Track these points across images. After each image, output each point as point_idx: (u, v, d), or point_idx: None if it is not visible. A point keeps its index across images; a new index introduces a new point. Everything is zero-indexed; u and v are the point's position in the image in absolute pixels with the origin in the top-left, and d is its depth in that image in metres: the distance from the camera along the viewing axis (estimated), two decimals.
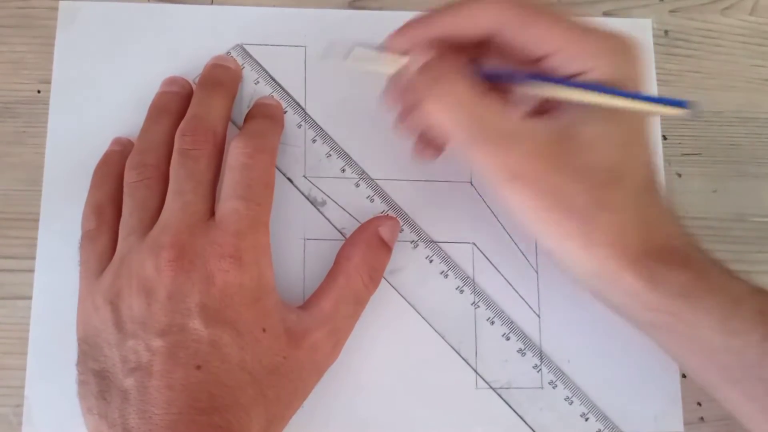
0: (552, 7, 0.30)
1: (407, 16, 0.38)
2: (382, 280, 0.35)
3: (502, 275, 0.36)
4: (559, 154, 0.29)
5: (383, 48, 0.31)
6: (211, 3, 0.38)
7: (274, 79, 0.37)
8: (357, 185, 0.36)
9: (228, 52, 0.37)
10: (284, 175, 0.36)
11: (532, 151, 0.28)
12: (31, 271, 0.35)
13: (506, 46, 0.30)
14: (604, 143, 0.29)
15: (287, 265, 0.35)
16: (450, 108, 0.29)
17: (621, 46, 0.29)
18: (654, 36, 0.40)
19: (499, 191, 0.30)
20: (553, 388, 0.35)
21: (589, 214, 0.29)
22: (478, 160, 0.29)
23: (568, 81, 0.29)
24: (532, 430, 0.35)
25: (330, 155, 0.37)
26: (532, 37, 0.29)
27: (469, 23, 0.29)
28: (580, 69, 0.29)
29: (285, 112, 0.37)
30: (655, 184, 0.31)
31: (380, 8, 0.39)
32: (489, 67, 0.31)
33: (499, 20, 0.29)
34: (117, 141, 0.35)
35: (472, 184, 0.37)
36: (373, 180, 0.37)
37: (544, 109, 0.31)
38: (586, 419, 0.35)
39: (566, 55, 0.29)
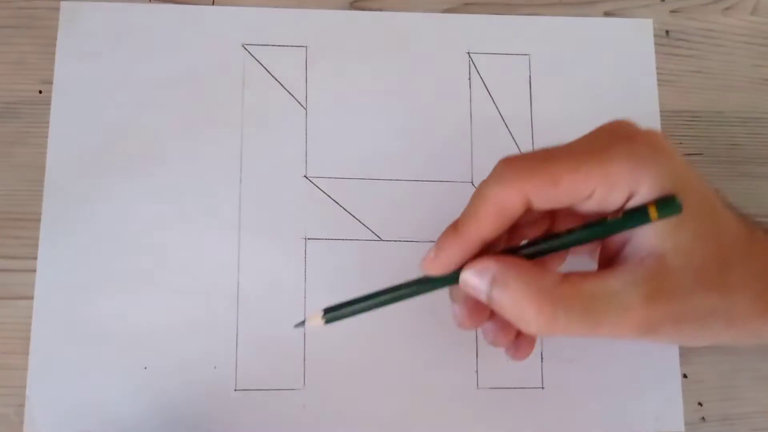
0: (552, 148, 0.28)
1: (407, 16, 0.39)
2: (383, 280, 0.35)
3: None
4: (663, 289, 0.27)
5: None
6: (213, 3, 0.38)
7: (275, 79, 0.37)
8: (357, 185, 0.36)
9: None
10: (284, 174, 0.37)
11: (640, 302, 0.27)
12: (33, 271, 0.35)
13: (545, 208, 0.28)
14: (689, 251, 0.27)
15: (287, 265, 0.36)
16: (551, 313, 0.27)
17: (642, 147, 0.27)
18: (655, 36, 0.40)
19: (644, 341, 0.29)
20: (554, 388, 0.35)
21: (726, 310, 0.28)
22: (603, 334, 0.28)
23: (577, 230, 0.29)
24: (533, 430, 0.35)
25: (330, 153, 0.37)
26: (562, 196, 0.27)
27: (499, 219, 0.28)
28: (627, 194, 0.27)
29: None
30: (747, 231, 0.29)
31: (381, 9, 0.39)
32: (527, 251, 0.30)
33: (524, 197, 0.27)
34: None
35: (472, 184, 0.37)
36: (373, 180, 0.37)
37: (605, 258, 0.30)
38: (587, 419, 0.35)
39: (604, 192, 0.27)
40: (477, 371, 0.35)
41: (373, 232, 0.36)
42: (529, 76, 0.39)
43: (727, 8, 0.41)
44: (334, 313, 0.31)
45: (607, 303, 0.27)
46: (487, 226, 0.28)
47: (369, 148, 0.37)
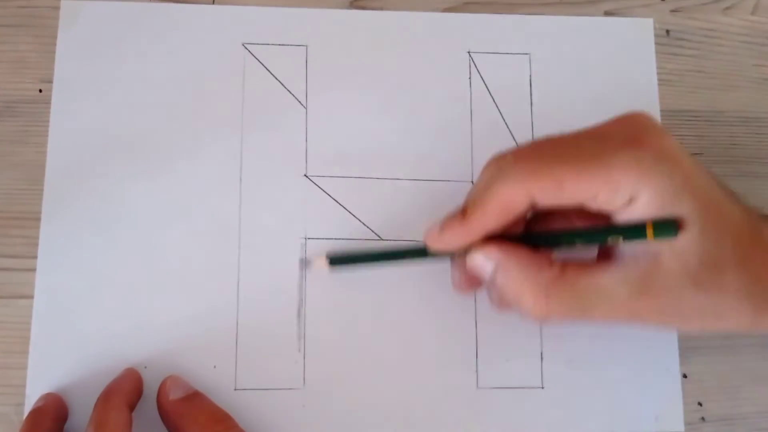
0: (559, 144, 0.29)
1: (407, 15, 0.39)
2: (383, 279, 0.35)
3: None
4: (653, 286, 0.28)
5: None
6: (213, 2, 0.38)
7: (276, 78, 0.37)
8: (357, 184, 0.36)
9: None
10: (285, 174, 0.37)
11: (629, 297, 0.29)
12: (33, 270, 0.35)
13: (550, 207, 0.29)
14: (685, 255, 0.28)
15: (287, 265, 0.35)
16: (545, 305, 0.29)
17: (648, 154, 0.28)
18: (655, 36, 0.40)
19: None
20: (554, 388, 0.35)
21: (732, 305, 0.29)
22: (592, 321, 0.30)
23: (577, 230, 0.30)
24: (533, 430, 0.35)
25: (331, 153, 0.37)
26: (567, 196, 0.28)
27: (504, 214, 0.29)
28: (628, 198, 0.28)
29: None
30: (751, 229, 0.29)
31: (381, 8, 0.39)
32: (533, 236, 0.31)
33: (529, 197, 0.28)
34: (42, 397, 0.33)
35: (472, 184, 0.37)
36: (373, 179, 0.37)
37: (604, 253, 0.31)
38: (587, 419, 0.35)
39: (606, 196, 0.28)
40: (477, 371, 0.35)
41: (373, 231, 0.36)
42: (530, 76, 0.39)
43: (728, 8, 0.41)
44: (337, 260, 0.34)
45: (598, 298, 0.29)
46: (492, 218, 0.29)
47: (369, 147, 0.37)
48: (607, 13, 0.40)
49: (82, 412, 0.33)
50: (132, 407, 0.32)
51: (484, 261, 0.30)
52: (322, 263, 0.35)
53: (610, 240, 0.29)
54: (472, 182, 0.37)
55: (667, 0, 0.40)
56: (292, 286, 0.35)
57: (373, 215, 0.36)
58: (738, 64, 0.40)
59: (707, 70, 0.40)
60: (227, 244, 0.36)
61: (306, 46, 0.38)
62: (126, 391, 0.32)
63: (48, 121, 0.36)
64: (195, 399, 0.32)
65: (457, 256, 0.32)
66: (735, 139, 0.39)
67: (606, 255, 0.31)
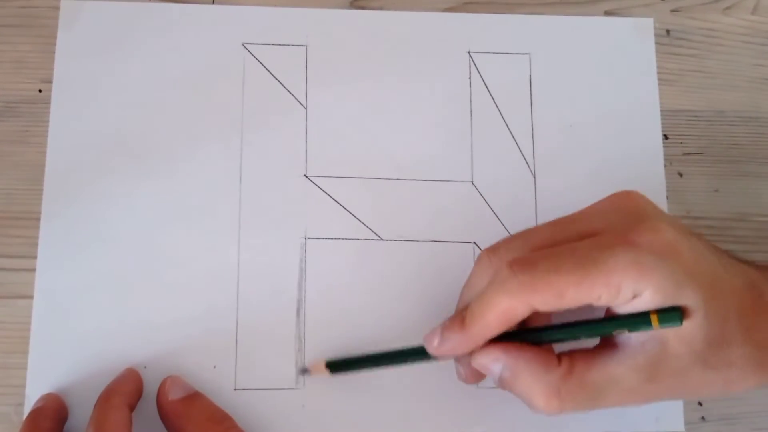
0: (555, 251, 0.29)
1: (407, 15, 0.39)
2: (383, 279, 0.35)
3: None
4: (663, 371, 0.29)
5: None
6: (213, 2, 0.38)
7: (275, 78, 0.37)
8: (357, 184, 0.36)
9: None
10: (285, 174, 0.37)
11: (640, 384, 0.29)
12: (33, 270, 0.35)
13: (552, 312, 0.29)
14: (691, 338, 0.28)
15: (287, 265, 0.35)
16: (557, 404, 0.29)
17: (646, 255, 0.27)
18: (656, 35, 0.40)
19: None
20: None
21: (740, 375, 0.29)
22: (606, 407, 0.30)
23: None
24: (533, 430, 0.35)
25: (331, 153, 0.37)
26: (569, 304, 0.28)
27: (505, 324, 0.29)
28: (630, 297, 0.28)
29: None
30: (753, 296, 0.29)
31: (381, 8, 0.39)
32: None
33: (530, 308, 0.28)
34: (42, 397, 0.33)
35: (473, 184, 0.37)
36: (373, 179, 0.37)
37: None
38: (587, 419, 0.35)
39: (609, 296, 0.28)
40: None
41: (373, 231, 0.36)
42: (530, 76, 0.39)
43: (728, 8, 0.41)
44: (337, 367, 0.33)
45: (608, 389, 0.29)
46: (492, 328, 0.29)
47: (369, 147, 0.37)
48: (607, 13, 0.40)
49: (82, 412, 0.33)
50: (132, 407, 0.32)
51: (489, 363, 0.30)
52: (321, 370, 0.34)
53: (615, 332, 0.29)
54: (472, 182, 0.37)
55: (667, 0, 0.40)
56: (292, 286, 0.35)
57: (373, 215, 0.36)
58: (738, 64, 0.40)
59: (707, 70, 0.40)
60: (227, 244, 0.36)
61: (306, 46, 0.38)
62: (126, 391, 0.32)
63: (48, 121, 0.36)
64: (195, 399, 0.32)
65: (461, 357, 0.31)
66: (735, 139, 0.39)
67: (609, 341, 0.30)
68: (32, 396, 0.33)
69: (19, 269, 0.35)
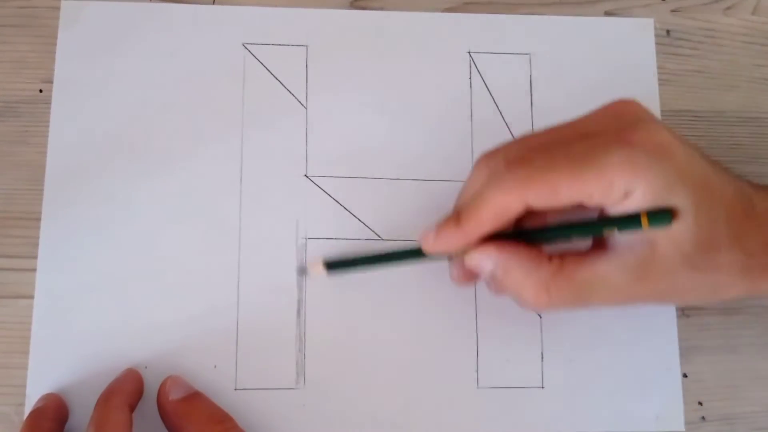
0: (550, 146, 0.29)
1: (408, 15, 0.39)
2: (383, 280, 0.35)
3: None
4: (650, 272, 0.29)
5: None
6: (213, 3, 0.38)
7: (276, 78, 0.37)
8: (357, 184, 0.36)
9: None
10: (285, 173, 0.37)
11: (627, 284, 0.29)
12: (33, 270, 0.35)
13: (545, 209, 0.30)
14: (680, 241, 0.28)
15: (287, 265, 0.35)
16: (546, 300, 0.30)
17: (640, 153, 0.28)
18: (656, 36, 0.40)
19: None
20: (554, 388, 0.35)
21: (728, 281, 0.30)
22: (591, 308, 0.31)
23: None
24: (533, 430, 0.35)
25: (331, 153, 0.37)
26: (562, 200, 0.28)
27: (499, 220, 0.29)
28: (623, 195, 0.28)
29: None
30: (744, 205, 0.30)
31: (381, 8, 0.39)
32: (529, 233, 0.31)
33: (524, 203, 0.29)
34: (43, 397, 0.33)
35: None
36: (373, 179, 0.37)
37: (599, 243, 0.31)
38: (588, 419, 0.35)
39: (601, 196, 0.28)
40: (477, 371, 0.35)
41: (373, 231, 0.36)
42: (530, 76, 0.39)
43: (728, 8, 0.41)
44: (334, 265, 0.34)
45: (597, 287, 0.30)
46: (486, 225, 0.30)
47: (369, 147, 0.37)
48: (608, 13, 0.40)
49: (82, 413, 0.33)
50: (132, 407, 0.32)
51: (482, 260, 0.31)
52: (319, 269, 0.34)
53: (605, 232, 0.29)
54: None
55: (668, 0, 0.40)
56: (292, 286, 0.35)
57: (373, 215, 0.36)
58: (738, 64, 0.40)
59: (707, 70, 0.40)
60: (227, 244, 0.36)
61: (306, 46, 0.38)
62: (126, 391, 0.32)
63: (48, 121, 0.36)
64: (195, 399, 0.32)
65: (455, 255, 0.32)
66: (735, 139, 0.39)
67: (600, 243, 0.31)
68: (33, 396, 0.33)
69: (20, 269, 0.35)
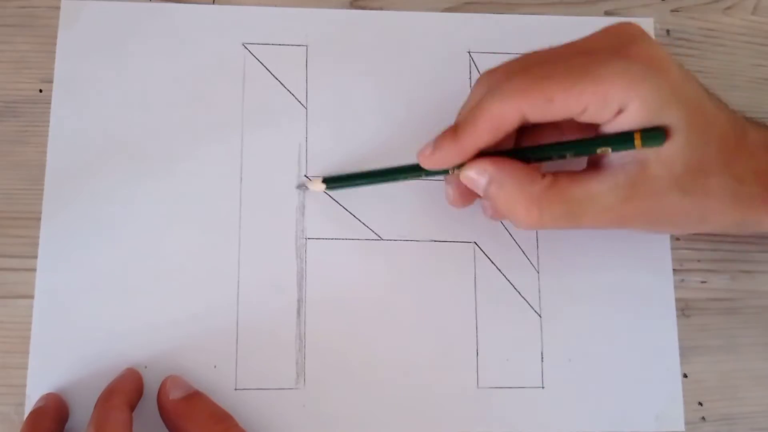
0: (549, 59, 0.30)
1: (408, 15, 0.39)
2: (383, 279, 0.35)
3: (503, 274, 0.36)
4: (640, 192, 0.30)
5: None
6: (213, 2, 0.38)
7: (276, 78, 0.37)
8: (358, 184, 0.37)
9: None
10: (285, 173, 0.37)
11: (617, 203, 0.30)
12: (33, 270, 0.35)
13: (540, 122, 0.30)
14: (671, 161, 0.29)
15: (287, 264, 0.35)
16: (537, 215, 0.30)
17: (636, 65, 0.28)
18: (656, 35, 0.40)
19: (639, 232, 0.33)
20: (554, 387, 0.35)
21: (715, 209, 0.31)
22: (582, 228, 0.31)
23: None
24: (533, 429, 0.35)
25: (331, 153, 0.37)
26: (557, 111, 0.29)
27: (495, 131, 0.30)
28: (617, 109, 0.28)
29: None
30: (736, 132, 0.30)
31: (381, 8, 0.39)
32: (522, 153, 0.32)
33: (520, 114, 0.29)
34: (43, 397, 0.33)
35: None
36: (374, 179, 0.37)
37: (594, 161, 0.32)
38: (587, 419, 0.35)
39: (596, 108, 0.28)
40: (477, 371, 0.35)
41: (373, 231, 0.36)
42: None
43: (728, 8, 0.41)
44: (333, 182, 0.35)
45: (588, 205, 0.30)
46: (483, 136, 0.30)
47: (369, 147, 0.37)
48: (607, 13, 0.40)
49: (82, 412, 0.33)
50: (132, 407, 0.32)
51: (477, 176, 0.31)
52: (318, 185, 0.35)
53: (599, 150, 0.30)
54: None
55: (667, 0, 0.40)
56: (292, 286, 0.35)
57: (373, 215, 0.36)
58: (738, 64, 0.40)
59: (707, 70, 0.40)
60: (227, 244, 0.36)
61: (306, 46, 0.38)
62: (126, 391, 0.32)
63: (48, 121, 0.36)
64: (195, 399, 0.32)
65: (451, 172, 0.32)
66: None
67: (595, 164, 0.31)
68: (33, 396, 0.33)
69: (20, 269, 0.35)
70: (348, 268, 0.36)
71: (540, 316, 0.36)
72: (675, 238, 0.37)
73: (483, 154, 0.31)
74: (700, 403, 0.36)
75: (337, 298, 0.35)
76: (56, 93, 0.37)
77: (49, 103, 0.36)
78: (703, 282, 0.37)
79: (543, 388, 0.35)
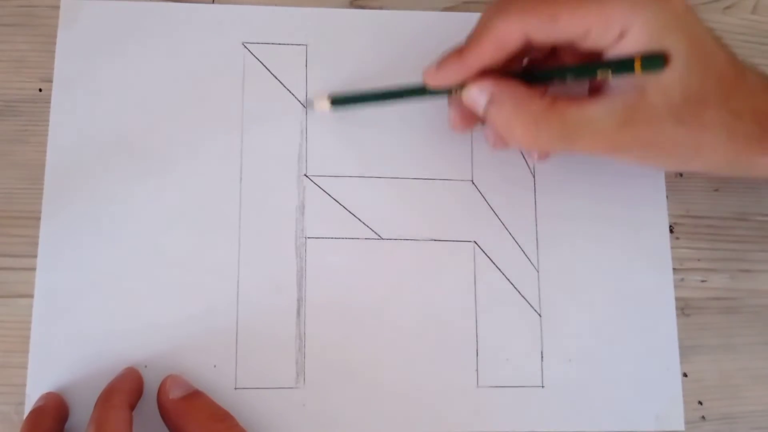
0: None
1: (407, 15, 0.39)
2: (383, 279, 0.35)
3: (503, 274, 0.36)
4: (636, 118, 0.30)
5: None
6: (213, 2, 0.38)
7: (275, 77, 0.37)
8: (357, 184, 0.36)
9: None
10: (285, 173, 0.37)
11: (613, 128, 0.30)
12: (33, 269, 0.35)
13: (544, 44, 0.31)
14: (669, 90, 0.29)
15: (287, 265, 0.35)
16: (534, 134, 0.31)
17: None
18: None
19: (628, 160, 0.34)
20: (554, 387, 0.35)
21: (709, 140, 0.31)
22: (577, 151, 0.32)
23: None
24: (533, 429, 0.35)
25: (331, 152, 0.37)
26: (561, 32, 0.30)
27: (499, 50, 0.30)
28: (618, 33, 0.29)
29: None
30: (736, 70, 0.31)
31: (380, 7, 0.39)
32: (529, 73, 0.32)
33: (524, 33, 0.30)
34: (43, 396, 0.33)
35: (473, 183, 0.37)
36: (373, 178, 0.37)
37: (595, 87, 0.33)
38: (587, 418, 0.35)
39: (599, 31, 0.29)
40: (477, 370, 0.35)
41: (373, 230, 0.36)
42: None
43: (728, 7, 0.41)
44: (339, 101, 0.36)
45: (584, 128, 0.30)
46: (487, 54, 0.31)
47: (369, 146, 0.37)
48: None
49: (82, 412, 0.33)
50: (132, 406, 0.32)
51: (478, 94, 0.31)
52: (324, 104, 0.36)
53: (599, 74, 0.30)
54: (472, 181, 0.37)
55: None
56: (291, 286, 0.35)
57: (373, 215, 0.36)
58: None
59: None
60: (227, 244, 0.36)
61: (306, 45, 0.38)
62: (126, 390, 0.32)
63: (47, 121, 0.36)
64: (195, 398, 0.32)
65: (454, 92, 0.32)
66: None
67: (596, 90, 0.32)
68: (33, 395, 0.33)
69: (19, 269, 0.35)
70: (348, 268, 0.36)
71: (540, 315, 0.36)
72: (675, 237, 0.37)
73: None
74: (700, 403, 0.36)
75: (337, 297, 0.35)
76: (56, 92, 0.37)
77: (49, 103, 0.36)
78: (702, 281, 0.37)
79: (543, 387, 0.35)
